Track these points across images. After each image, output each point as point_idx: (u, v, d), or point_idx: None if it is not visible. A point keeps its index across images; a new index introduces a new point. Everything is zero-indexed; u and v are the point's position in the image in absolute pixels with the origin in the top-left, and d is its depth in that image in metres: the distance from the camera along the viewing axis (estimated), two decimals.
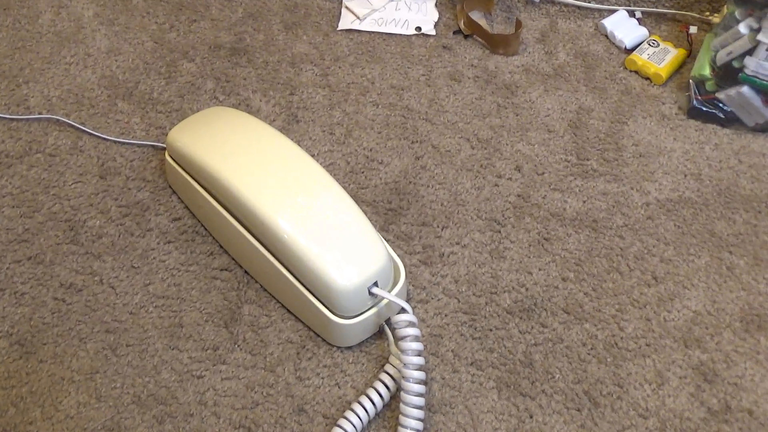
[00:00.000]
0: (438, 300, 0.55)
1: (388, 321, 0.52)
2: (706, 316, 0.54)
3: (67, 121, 0.63)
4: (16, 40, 0.69)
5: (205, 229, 0.57)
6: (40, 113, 0.63)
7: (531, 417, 0.49)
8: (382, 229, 0.58)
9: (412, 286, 0.55)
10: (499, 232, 0.58)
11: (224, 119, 0.57)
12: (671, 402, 0.50)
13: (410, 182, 0.61)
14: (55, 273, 0.54)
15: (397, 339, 0.48)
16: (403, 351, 0.47)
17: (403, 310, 0.49)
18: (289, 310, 0.53)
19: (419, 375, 0.47)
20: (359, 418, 0.47)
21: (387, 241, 0.57)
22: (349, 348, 0.52)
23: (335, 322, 0.49)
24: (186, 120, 0.58)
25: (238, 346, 0.52)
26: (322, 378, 0.50)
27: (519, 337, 0.53)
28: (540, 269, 0.56)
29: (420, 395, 0.47)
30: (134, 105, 0.65)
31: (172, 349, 0.51)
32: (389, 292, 0.50)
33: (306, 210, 0.50)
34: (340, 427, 0.47)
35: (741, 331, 0.54)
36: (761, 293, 0.56)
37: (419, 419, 0.46)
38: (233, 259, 0.56)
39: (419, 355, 0.47)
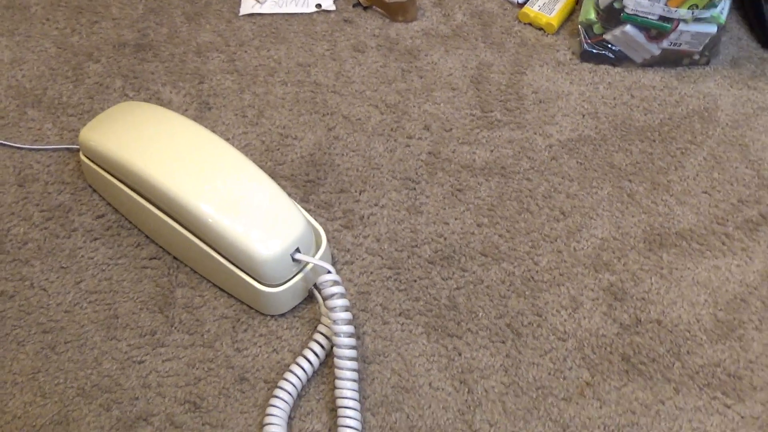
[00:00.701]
0: (362, 260, 0.57)
1: (315, 285, 0.54)
2: (612, 241, 0.58)
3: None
4: None
5: (130, 222, 0.59)
6: None
7: (459, 354, 0.53)
8: (302, 200, 0.60)
9: (336, 249, 0.58)
10: (414, 189, 0.61)
11: (133, 113, 0.58)
12: (586, 323, 0.54)
13: (325, 153, 0.63)
14: None
15: (325, 299, 0.50)
16: (331, 309, 0.50)
17: (327, 272, 0.51)
18: (221, 288, 0.55)
19: (348, 329, 0.49)
20: (298, 377, 0.50)
21: (308, 211, 0.59)
22: (283, 315, 0.54)
23: (264, 292, 0.52)
24: (96, 118, 0.59)
25: (175, 327, 0.53)
26: (260, 347, 0.53)
27: (442, 284, 0.56)
28: (456, 219, 0.60)
29: (352, 347, 0.49)
30: (44, 111, 0.65)
31: (111, 339, 0.53)
32: (312, 257, 0.53)
33: (222, 189, 0.51)
34: (281, 388, 0.49)
35: (645, 251, 0.58)
36: (661, 214, 0.60)
37: (353, 370, 0.49)
38: (161, 247, 0.57)
39: (347, 311, 0.50)
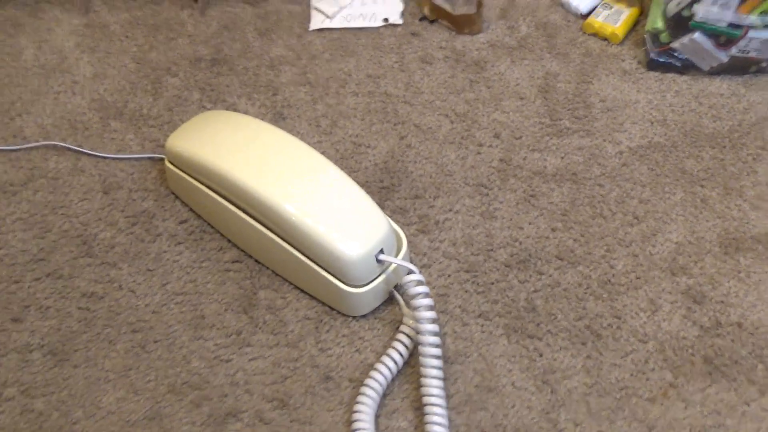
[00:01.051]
0: (439, 263, 0.58)
1: (396, 287, 0.55)
2: (688, 245, 0.58)
3: (65, 145, 0.66)
4: (2, 77, 0.72)
5: (212, 227, 0.60)
6: (37, 141, 0.66)
7: (541, 355, 0.53)
8: (379, 206, 0.61)
9: (414, 254, 0.59)
10: (487, 195, 0.62)
11: (218, 120, 0.60)
12: (666, 325, 0.54)
13: (398, 161, 0.65)
14: (75, 285, 0.57)
15: (409, 299, 0.51)
16: (415, 309, 0.51)
17: (410, 272, 0.52)
18: (302, 290, 0.56)
19: (433, 328, 0.50)
20: (384, 376, 0.51)
21: None
22: (364, 317, 0.55)
23: (349, 292, 0.53)
24: (181, 126, 0.61)
25: (259, 328, 0.55)
26: (343, 347, 0.54)
27: (519, 287, 0.57)
28: (530, 223, 0.60)
29: (437, 347, 0.50)
30: (126, 123, 0.68)
31: (198, 339, 0.54)
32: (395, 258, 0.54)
33: (308, 191, 0.53)
34: (368, 386, 0.50)
35: (721, 255, 0.58)
36: (735, 219, 0.60)
37: (439, 368, 0.50)
38: (243, 250, 0.59)
39: (431, 310, 0.51)
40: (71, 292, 0.57)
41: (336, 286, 0.53)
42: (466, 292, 0.56)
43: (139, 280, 0.57)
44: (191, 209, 0.61)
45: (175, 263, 0.58)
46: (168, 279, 0.57)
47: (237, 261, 0.58)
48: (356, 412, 0.49)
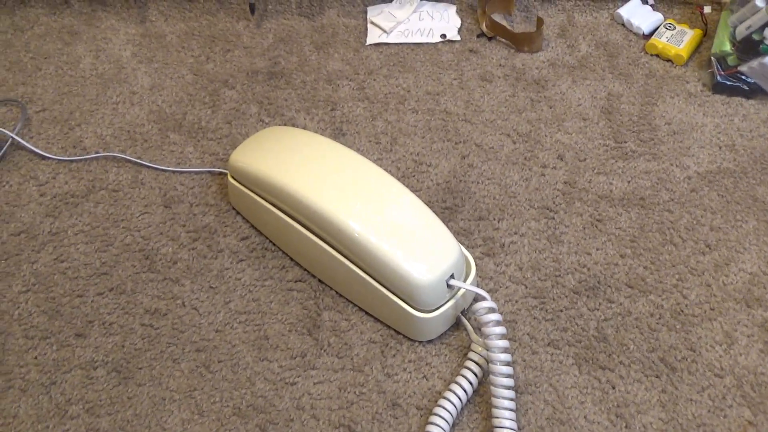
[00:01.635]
0: (506, 288, 0.57)
1: (463, 312, 0.54)
2: (763, 276, 0.57)
3: (125, 156, 0.65)
4: (61, 86, 0.72)
5: (274, 244, 0.60)
6: (97, 152, 0.66)
7: (613, 388, 0.52)
8: None
9: (480, 277, 0.58)
10: (553, 218, 0.61)
11: (282, 136, 0.59)
12: (743, 360, 0.52)
13: (460, 181, 0.64)
14: (138, 301, 0.56)
15: (480, 326, 0.50)
16: (487, 336, 0.50)
17: (480, 298, 0.51)
18: (367, 312, 0.55)
19: (506, 357, 0.49)
20: (453, 405, 0.49)
21: None
22: (430, 342, 0.54)
23: (418, 317, 0.52)
24: (245, 141, 0.60)
25: (324, 351, 0.54)
26: (409, 372, 0.53)
27: (589, 315, 0.55)
28: (598, 249, 0.59)
29: (509, 376, 0.49)
30: (185, 135, 0.68)
31: (262, 360, 0.53)
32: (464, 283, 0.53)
33: (377, 212, 0.52)
34: (438, 415, 0.49)
35: None
36: None
37: (511, 399, 0.49)
38: (305, 270, 0.58)
39: (503, 339, 0.49)
40: (134, 308, 0.56)
41: (404, 310, 0.52)
42: (535, 318, 0.55)
43: (202, 298, 0.57)
44: (253, 226, 0.61)
45: (238, 281, 0.58)
46: (231, 297, 0.57)
47: (300, 280, 0.58)
48: None
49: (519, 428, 0.50)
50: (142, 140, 0.67)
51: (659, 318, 0.55)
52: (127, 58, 0.74)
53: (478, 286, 0.56)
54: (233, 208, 0.62)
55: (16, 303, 0.56)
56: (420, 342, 0.54)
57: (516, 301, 0.56)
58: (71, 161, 0.65)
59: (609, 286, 0.57)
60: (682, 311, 0.55)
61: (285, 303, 0.56)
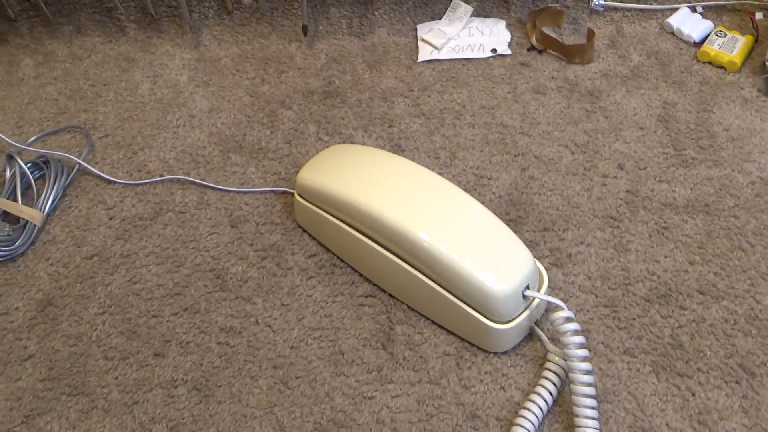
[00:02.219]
0: (576, 297, 0.57)
1: (536, 322, 0.54)
2: None
3: (189, 179, 0.66)
4: (122, 112, 0.73)
5: (342, 260, 0.60)
6: (161, 175, 0.67)
7: (693, 395, 0.51)
8: None
9: (550, 288, 0.58)
10: (618, 227, 0.61)
11: (346, 153, 0.60)
12: None
13: (522, 193, 0.64)
14: (213, 320, 0.57)
15: (558, 336, 0.50)
16: (566, 346, 0.50)
17: (555, 309, 0.51)
18: (439, 325, 0.56)
19: (587, 366, 0.49)
20: (535, 415, 0.50)
21: None
22: (505, 353, 0.54)
23: (494, 329, 0.52)
24: (310, 160, 0.61)
25: (400, 364, 0.54)
26: (486, 384, 0.53)
27: (662, 322, 0.55)
28: (666, 256, 0.59)
29: (590, 385, 0.49)
30: (246, 156, 0.69)
31: (339, 375, 0.54)
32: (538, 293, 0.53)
33: (450, 224, 0.53)
34: (520, 425, 0.49)
35: None
36: None
37: (594, 408, 0.49)
38: (375, 285, 0.58)
39: (583, 348, 0.50)
40: (209, 326, 0.57)
41: (480, 321, 0.52)
42: (608, 327, 0.55)
43: (275, 315, 0.57)
44: (320, 243, 0.61)
45: (309, 297, 0.58)
46: (303, 314, 0.57)
47: (370, 296, 0.58)
48: None
49: None
50: (204, 162, 0.68)
51: (734, 324, 0.55)
52: (184, 82, 0.76)
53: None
54: (299, 227, 0.63)
55: (94, 325, 0.57)
56: (494, 354, 0.54)
57: (588, 311, 0.56)
58: (137, 185, 0.67)
59: (680, 293, 0.57)
60: (757, 316, 0.55)
61: (357, 318, 0.57)
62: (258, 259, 0.61)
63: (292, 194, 0.62)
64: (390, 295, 0.58)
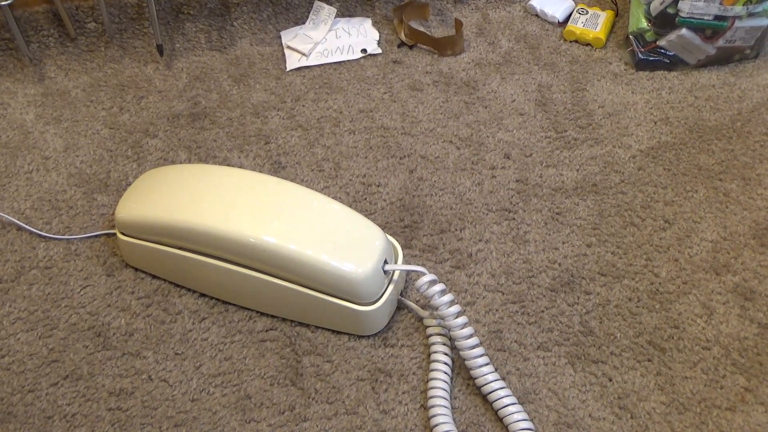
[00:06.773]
0: (483, 298, 0.56)
1: (402, 294, 0.55)
2: (723, 242, 0.58)
3: (32, 230, 0.60)
4: None
5: (194, 291, 0.56)
6: (18, 230, 0.60)
7: (610, 380, 0.51)
8: (405, 246, 0.58)
9: (455, 291, 0.56)
10: (514, 218, 0.60)
11: (162, 176, 0.56)
12: (725, 328, 0.53)
13: (414, 196, 0.62)
14: (99, 384, 0.52)
15: (428, 300, 0.50)
16: (437, 308, 0.49)
17: (417, 276, 0.51)
18: (319, 326, 0.53)
19: (463, 320, 0.49)
20: (444, 390, 0.49)
21: (413, 256, 0.58)
22: (419, 367, 0.52)
23: (366, 312, 0.51)
24: (125, 194, 0.56)
25: (313, 399, 0.51)
26: (406, 404, 0.50)
27: (570, 310, 0.55)
28: (563, 242, 0.59)
29: (472, 336, 0.49)
30: (113, 195, 0.63)
31: (249, 422, 0.50)
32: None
33: (293, 220, 0.51)
34: (436, 387, 0.49)
35: (758, 246, 0.58)
36: (761, 208, 0.60)
37: (483, 355, 0.49)
38: (274, 316, 0.55)
39: (454, 304, 0.50)
40: (96, 392, 0.51)
41: (352, 309, 0.51)
42: (519, 324, 0.54)
43: (169, 367, 0.52)
44: (157, 277, 0.57)
45: (205, 341, 0.54)
46: (201, 360, 0.53)
47: (271, 329, 0.54)
48: (432, 406, 0.48)
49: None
50: (67, 208, 0.62)
51: (638, 301, 0.55)
52: (31, 121, 0.68)
53: (444, 291, 0.55)
54: (130, 267, 0.57)
55: None
56: (370, 340, 0.52)
57: (496, 310, 0.55)
58: None
59: (583, 278, 0.56)
60: (658, 290, 0.55)
61: (260, 356, 0.53)
62: (142, 308, 0.56)
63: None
64: (292, 323, 0.54)
